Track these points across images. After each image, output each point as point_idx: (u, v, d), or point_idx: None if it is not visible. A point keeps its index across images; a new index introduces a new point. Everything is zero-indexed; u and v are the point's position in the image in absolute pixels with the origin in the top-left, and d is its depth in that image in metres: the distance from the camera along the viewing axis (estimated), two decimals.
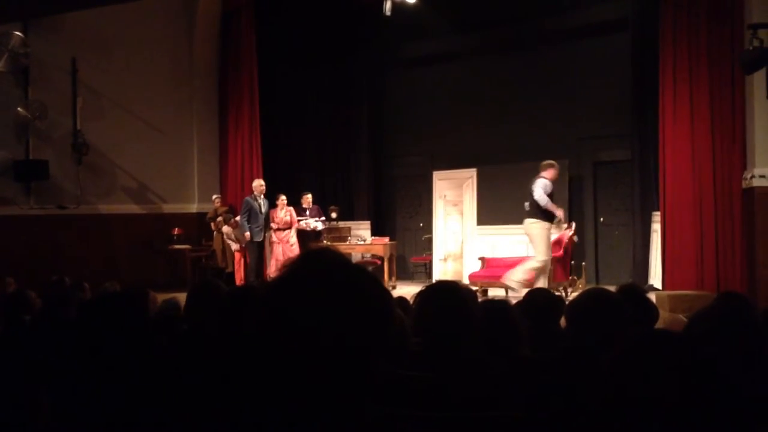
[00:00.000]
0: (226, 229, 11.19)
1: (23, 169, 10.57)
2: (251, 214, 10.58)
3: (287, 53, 12.57)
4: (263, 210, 10.70)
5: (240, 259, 11.09)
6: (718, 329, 2.21)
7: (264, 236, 10.76)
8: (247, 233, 10.52)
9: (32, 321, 4.32)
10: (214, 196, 11.75)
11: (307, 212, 11.44)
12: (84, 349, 2.55)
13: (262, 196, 10.76)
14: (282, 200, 10.87)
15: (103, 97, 11.30)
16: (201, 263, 11.81)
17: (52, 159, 10.73)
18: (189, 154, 12.28)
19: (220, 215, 11.39)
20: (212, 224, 11.54)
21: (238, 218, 10.93)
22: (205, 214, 11.86)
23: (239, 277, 10.90)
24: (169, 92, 12.05)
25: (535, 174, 8.84)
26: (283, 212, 10.84)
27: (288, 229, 10.83)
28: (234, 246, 11.15)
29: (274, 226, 10.80)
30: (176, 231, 11.61)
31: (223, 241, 11.39)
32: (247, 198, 10.74)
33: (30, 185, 10.68)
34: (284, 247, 10.68)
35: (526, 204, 8.83)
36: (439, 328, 2.49)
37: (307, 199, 11.55)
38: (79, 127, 10.96)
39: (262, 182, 10.88)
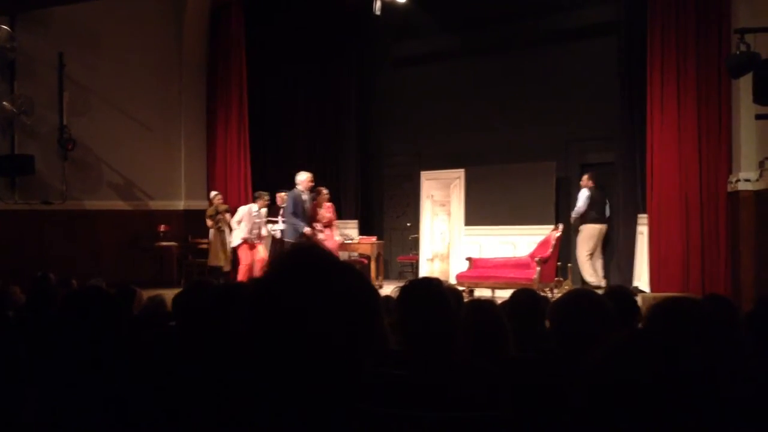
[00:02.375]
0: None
1: (8, 164, 10.49)
2: (298, 209, 9.99)
3: (276, 51, 12.54)
4: (308, 206, 10.20)
5: (252, 260, 10.45)
6: (703, 332, 2.23)
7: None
8: (307, 228, 9.91)
9: (16, 316, 4.29)
10: (213, 194, 11.45)
11: (282, 211, 10.69)
12: (66, 343, 2.53)
13: (308, 192, 10.24)
14: (325, 195, 10.44)
15: (90, 93, 11.23)
16: (188, 260, 11.76)
17: (37, 154, 10.64)
18: (176, 150, 12.22)
19: (221, 213, 11.18)
20: (210, 221, 11.23)
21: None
22: (192, 211, 11.79)
23: (242, 277, 10.28)
24: (157, 88, 12.00)
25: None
26: (324, 208, 10.43)
27: (330, 227, 10.45)
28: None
29: (318, 225, 10.27)
30: (163, 228, 11.53)
31: (222, 239, 11.09)
32: (296, 192, 10.15)
33: (15, 180, 10.60)
34: (333, 244, 10.06)
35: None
36: (420, 322, 2.50)
37: (282, 197, 10.81)
38: (65, 123, 10.88)
39: (311, 177, 10.34)
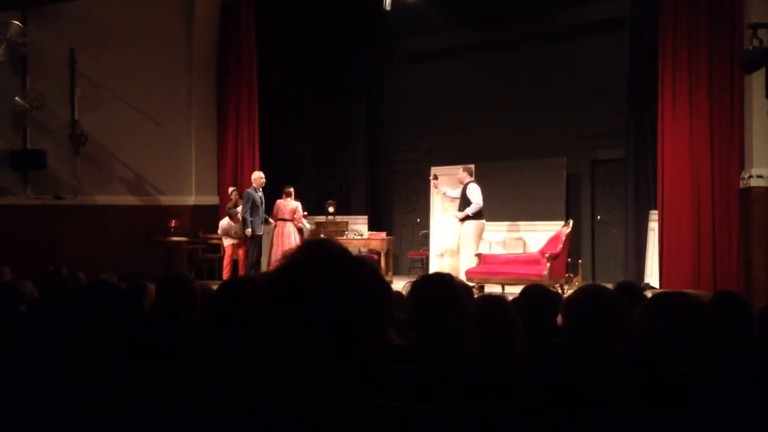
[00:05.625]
0: (225, 224, 11.04)
1: (20, 159, 10.56)
2: (253, 206, 10.34)
3: (286, 47, 12.54)
4: (263, 202, 10.53)
5: (232, 254, 10.91)
6: (716, 328, 2.21)
7: (263, 229, 10.61)
8: (248, 229, 10.26)
9: (28, 311, 4.30)
10: (231, 189, 11.52)
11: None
12: (76, 338, 2.54)
13: (261, 189, 10.57)
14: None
15: (101, 88, 11.27)
16: (198, 255, 11.79)
17: (49, 149, 10.71)
18: (187, 146, 12.24)
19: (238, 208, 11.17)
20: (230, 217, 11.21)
21: (238, 210, 10.65)
22: (203, 206, 11.81)
23: (227, 271, 10.69)
24: (167, 84, 12.01)
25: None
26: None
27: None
28: (227, 241, 10.99)
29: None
30: (173, 223, 11.58)
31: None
32: (249, 190, 10.45)
33: (27, 175, 10.67)
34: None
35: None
36: (431, 316, 2.50)
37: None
38: (77, 118, 10.94)
39: (262, 174, 10.64)
